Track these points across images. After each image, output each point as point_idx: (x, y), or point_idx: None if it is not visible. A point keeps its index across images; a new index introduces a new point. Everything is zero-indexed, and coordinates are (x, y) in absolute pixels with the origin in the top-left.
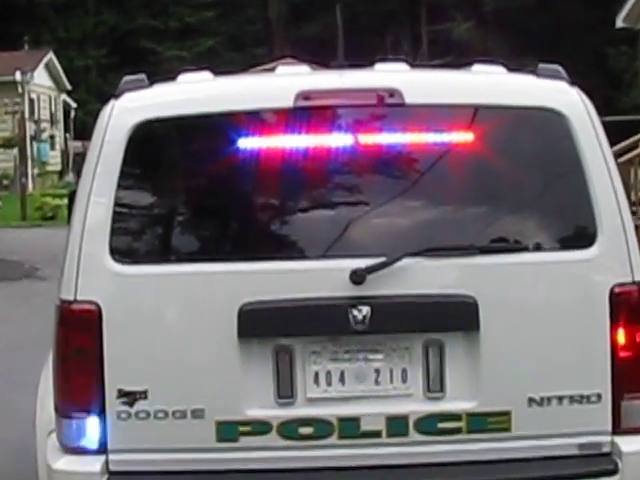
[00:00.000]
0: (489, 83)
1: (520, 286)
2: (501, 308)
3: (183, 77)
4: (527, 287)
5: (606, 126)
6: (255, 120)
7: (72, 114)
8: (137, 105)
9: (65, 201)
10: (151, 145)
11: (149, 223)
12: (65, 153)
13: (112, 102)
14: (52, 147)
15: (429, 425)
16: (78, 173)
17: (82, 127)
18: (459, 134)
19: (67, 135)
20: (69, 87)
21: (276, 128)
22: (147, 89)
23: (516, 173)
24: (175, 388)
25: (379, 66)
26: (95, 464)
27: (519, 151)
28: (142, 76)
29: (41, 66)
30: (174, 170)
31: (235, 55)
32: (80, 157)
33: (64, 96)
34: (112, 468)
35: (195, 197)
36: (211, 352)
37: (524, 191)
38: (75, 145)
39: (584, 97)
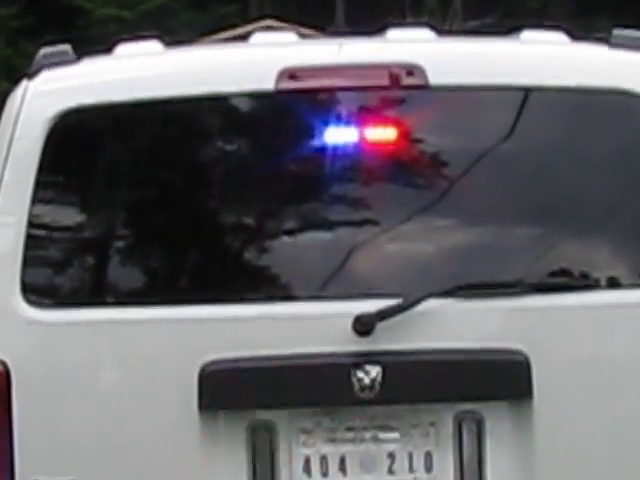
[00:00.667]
0: (544, 57)
1: (589, 337)
2: (562, 368)
3: (123, 48)
4: (599, 339)
5: None
6: (222, 109)
7: None
8: (59, 88)
9: None
10: (79, 143)
11: (77, 251)
12: None
13: (25, 84)
14: None
15: None
16: None
17: None
18: (502, 127)
19: None
20: None
21: (251, 120)
22: (73, 65)
23: (582, 180)
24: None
25: (393, 33)
26: None
27: (586, 149)
28: (66, 47)
29: None
30: (111, 178)
31: (195, 15)
32: None
33: None
34: None
35: (141, 215)
36: (162, 430)
37: (594, 205)
38: None
39: None
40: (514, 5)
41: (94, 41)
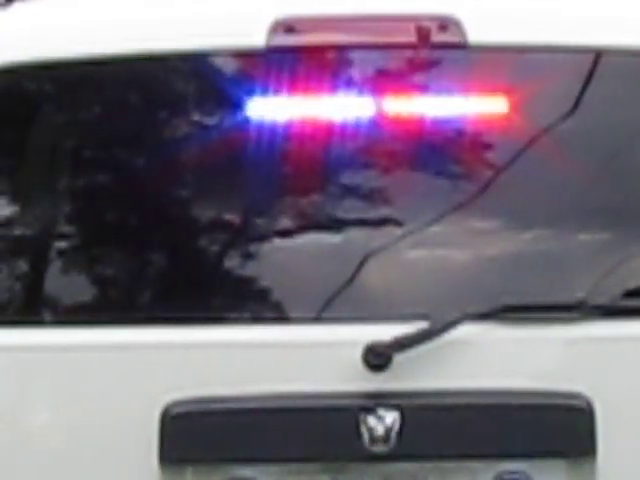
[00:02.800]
0: (623, 8)
1: None
2: (636, 417)
3: None
4: None
5: None
6: (199, 70)
7: None
8: None
9: None
10: (8, 113)
11: (4, 255)
12: None
13: None
14: None
15: None
16: None
17: None
18: (563, 100)
19: None
20: None
21: (237, 86)
22: (0, 11)
23: None
24: None
25: None
26: None
27: None
28: None
29: None
30: (51, 160)
31: None
32: None
33: None
34: None
35: (89, 208)
36: None
37: None
38: None
39: None
40: None
41: None
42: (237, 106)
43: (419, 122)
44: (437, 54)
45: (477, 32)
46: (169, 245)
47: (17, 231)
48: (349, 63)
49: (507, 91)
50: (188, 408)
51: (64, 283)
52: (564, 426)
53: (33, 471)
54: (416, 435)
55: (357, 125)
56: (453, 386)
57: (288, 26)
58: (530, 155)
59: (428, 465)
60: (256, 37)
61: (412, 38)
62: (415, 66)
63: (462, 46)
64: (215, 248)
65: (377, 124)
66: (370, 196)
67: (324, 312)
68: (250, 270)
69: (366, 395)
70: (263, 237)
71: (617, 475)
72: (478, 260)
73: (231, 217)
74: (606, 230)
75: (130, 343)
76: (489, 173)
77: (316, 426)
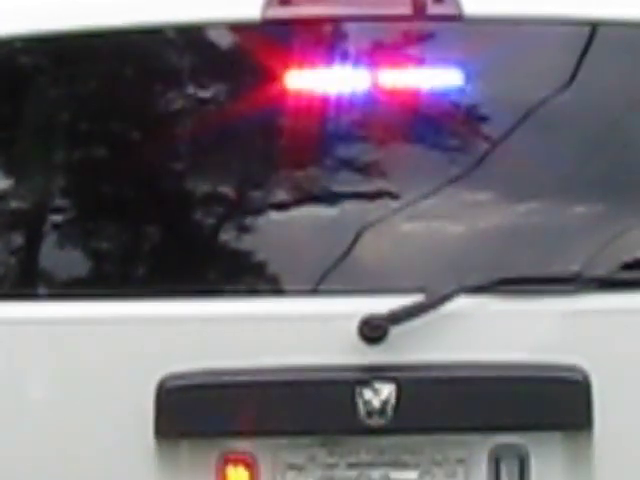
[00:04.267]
0: None
1: None
2: (633, 389)
3: None
4: None
5: None
6: (193, 43)
7: None
8: None
9: None
10: (7, 86)
11: (2, 229)
12: None
13: None
14: None
15: None
16: None
17: None
18: (559, 73)
19: None
20: None
21: (231, 58)
22: None
23: None
24: None
25: None
26: None
27: None
28: None
29: None
30: (46, 133)
31: None
32: None
33: None
34: None
35: (85, 182)
36: (107, 463)
37: None
38: None
39: None
40: None
41: None
42: (233, 78)
43: (415, 94)
44: (433, 26)
45: (473, 4)
46: (164, 219)
47: (12, 205)
48: (344, 35)
49: (502, 63)
50: (182, 382)
51: (59, 257)
52: (560, 399)
53: (29, 443)
54: (412, 408)
55: (353, 97)
56: (449, 359)
57: None
58: (526, 128)
59: (424, 438)
60: (251, 9)
61: (408, 10)
62: (410, 38)
63: (458, 18)
64: (211, 222)
65: (373, 96)
66: (366, 169)
67: (320, 285)
68: (246, 243)
69: (362, 368)
70: (259, 211)
71: (613, 447)
72: (474, 233)
73: (227, 191)
74: (602, 203)
75: (125, 316)
76: (485, 146)
77: (312, 399)
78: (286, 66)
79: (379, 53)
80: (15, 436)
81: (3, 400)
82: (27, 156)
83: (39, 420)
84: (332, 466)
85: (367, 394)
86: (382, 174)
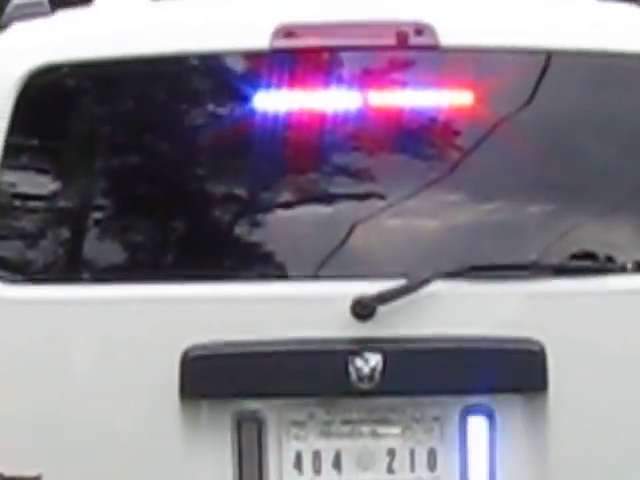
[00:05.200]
0: (569, 16)
1: (611, 326)
2: (582, 359)
3: (104, 0)
4: (622, 328)
5: None
6: (212, 68)
7: None
8: (31, 42)
9: None
10: (53, 104)
11: (50, 223)
12: None
13: None
14: None
15: None
16: None
17: None
18: (520, 94)
19: None
20: None
21: (245, 81)
22: (48, 17)
23: (609, 153)
24: (83, 474)
25: None
26: None
27: (615, 121)
28: None
29: None
30: (90, 143)
31: None
32: None
33: None
34: None
35: (121, 184)
36: (139, 420)
37: (623, 181)
38: None
39: None
40: None
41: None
42: (245, 98)
43: (399, 112)
44: (413, 55)
45: (448, 36)
46: (188, 217)
47: (61, 204)
48: (340, 62)
49: (472, 86)
50: (203, 351)
51: (100, 247)
52: (520, 366)
53: (78, 402)
54: (396, 374)
55: (346, 114)
56: (427, 333)
57: (288, 31)
58: (491, 140)
59: (405, 400)
60: (261, 41)
61: (393, 41)
62: (394, 65)
63: (435, 48)
64: (227, 219)
65: (363, 114)
66: (358, 173)
67: (319, 271)
68: (257, 236)
69: (354, 341)
70: (268, 210)
71: (565, 407)
72: (448, 228)
73: (241, 192)
74: (557, 205)
75: (155, 297)
76: (458, 155)
77: (312, 367)
78: (291, 88)
79: (368, 77)
80: (67, 396)
81: (55, 366)
82: (74, 163)
83: (85, 383)
84: (328, 423)
85: (358, 362)
86: (371, 179)
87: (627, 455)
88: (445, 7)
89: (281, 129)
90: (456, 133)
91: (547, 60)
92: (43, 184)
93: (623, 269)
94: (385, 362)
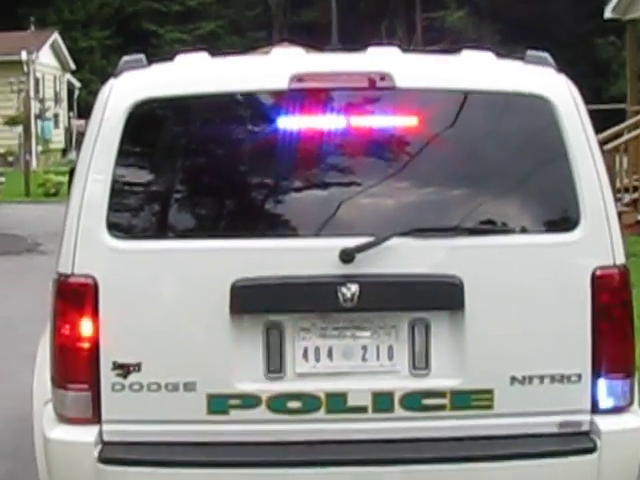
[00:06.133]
0: (477, 69)
1: (505, 267)
2: (486, 289)
3: (181, 58)
4: (512, 268)
5: (592, 114)
6: (250, 101)
7: (76, 94)
8: (135, 84)
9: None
10: (148, 123)
11: (146, 200)
12: (68, 131)
13: (111, 81)
14: (56, 125)
15: (414, 401)
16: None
17: (85, 106)
18: (448, 118)
19: (70, 114)
20: (73, 67)
21: (270, 109)
22: (145, 69)
23: (503, 157)
24: (168, 362)
25: (372, 50)
26: (89, 434)
27: (506, 136)
28: (140, 56)
29: (46, 46)
30: (170, 148)
31: (235, 39)
32: (82, 135)
33: (68, 76)
34: (106, 438)
35: (191, 175)
36: (203, 327)
37: (511, 175)
38: (78, 124)
39: (570, 84)
40: (458, 36)
41: (163, 55)
42: (271, 121)
43: (370, 131)
44: (379, 93)
45: (402, 81)
46: (234, 197)
47: (153, 188)
48: (332, 98)
49: (418, 113)
50: (244, 283)
51: (178, 216)
52: (447, 293)
53: (163, 318)
54: (368, 298)
55: (336, 132)
56: (388, 271)
57: (299, 78)
58: (430, 149)
59: (374, 314)
60: (281, 83)
61: (365, 84)
62: (368, 100)
63: (393, 89)
64: (259, 199)
65: (347, 131)
66: (344, 170)
67: (319, 231)
68: (278, 209)
69: (341, 276)
70: (285, 192)
71: (476, 320)
72: (402, 204)
73: (270, 182)
74: (469, 191)
75: (214, 247)
76: (408, 159)
77: (314, 292)
78: (301, 114)
79: (350, 107)
80: (158, 313)
81: (150, 293)
82: (161, 163)
83: (169, 304)
84: (324, 328)
85: (343, 289)
86: (352, 173)
87: (516, 348)
88: (399, 62)
89: (295, 141)
90: (408, 144)
91: (464, 97)
92: (141, 177)
93: (512, 231)
94: (361, 290)
